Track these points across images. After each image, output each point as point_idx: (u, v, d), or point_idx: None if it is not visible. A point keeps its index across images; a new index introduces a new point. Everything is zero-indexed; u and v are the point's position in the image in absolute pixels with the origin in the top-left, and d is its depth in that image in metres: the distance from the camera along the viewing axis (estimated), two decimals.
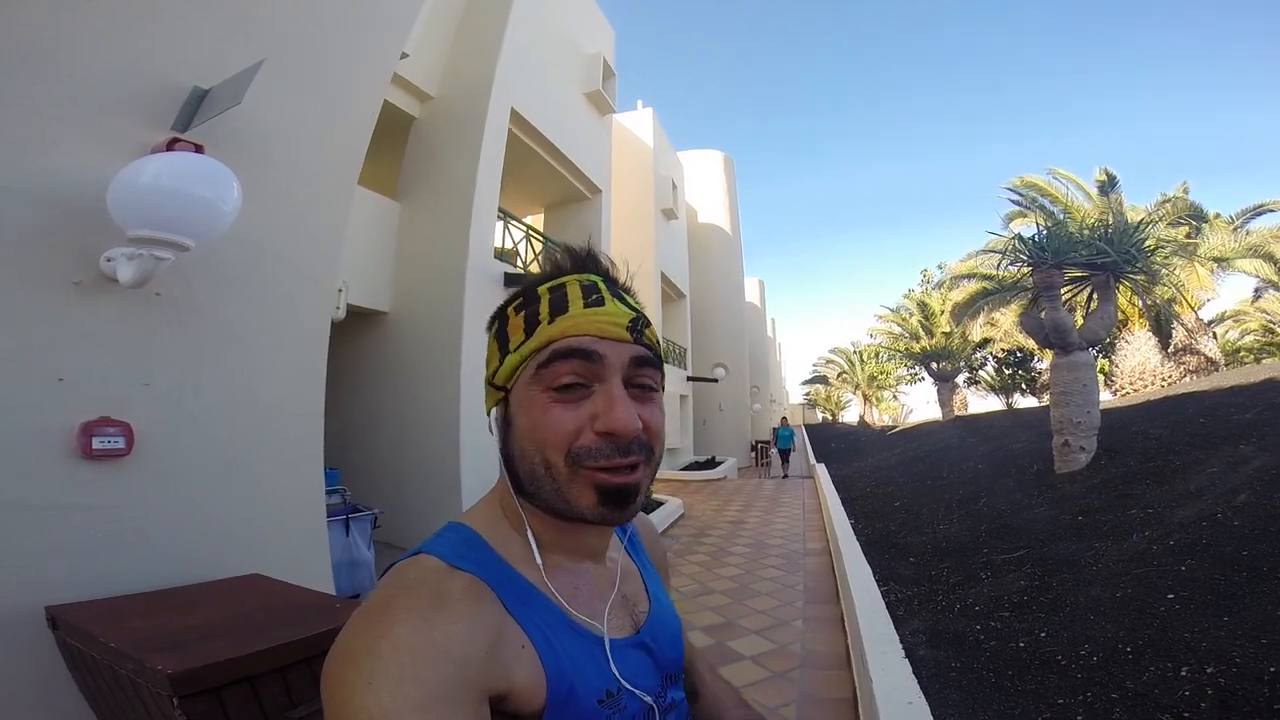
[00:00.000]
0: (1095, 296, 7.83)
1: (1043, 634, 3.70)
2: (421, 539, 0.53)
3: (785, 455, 16.29)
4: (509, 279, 6.33)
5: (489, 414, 0.56)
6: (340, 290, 4.77)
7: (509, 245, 7.36)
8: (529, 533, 0.54)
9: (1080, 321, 7.86)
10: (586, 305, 0.52)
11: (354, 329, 5.92)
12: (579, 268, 0.56)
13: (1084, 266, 7.56)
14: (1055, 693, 3.09)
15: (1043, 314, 7.65)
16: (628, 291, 0.58)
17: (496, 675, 0.45)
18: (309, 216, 2.74)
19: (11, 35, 1.68)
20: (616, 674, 0.52)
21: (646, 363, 0.53)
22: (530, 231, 7.57)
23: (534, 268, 7.52)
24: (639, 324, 0.54)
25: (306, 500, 2.65)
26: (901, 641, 3.02)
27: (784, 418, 18.13)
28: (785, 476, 14.63)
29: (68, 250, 1.76)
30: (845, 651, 3.51)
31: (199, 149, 1.84)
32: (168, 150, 1.76)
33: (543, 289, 0.54)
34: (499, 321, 0.56)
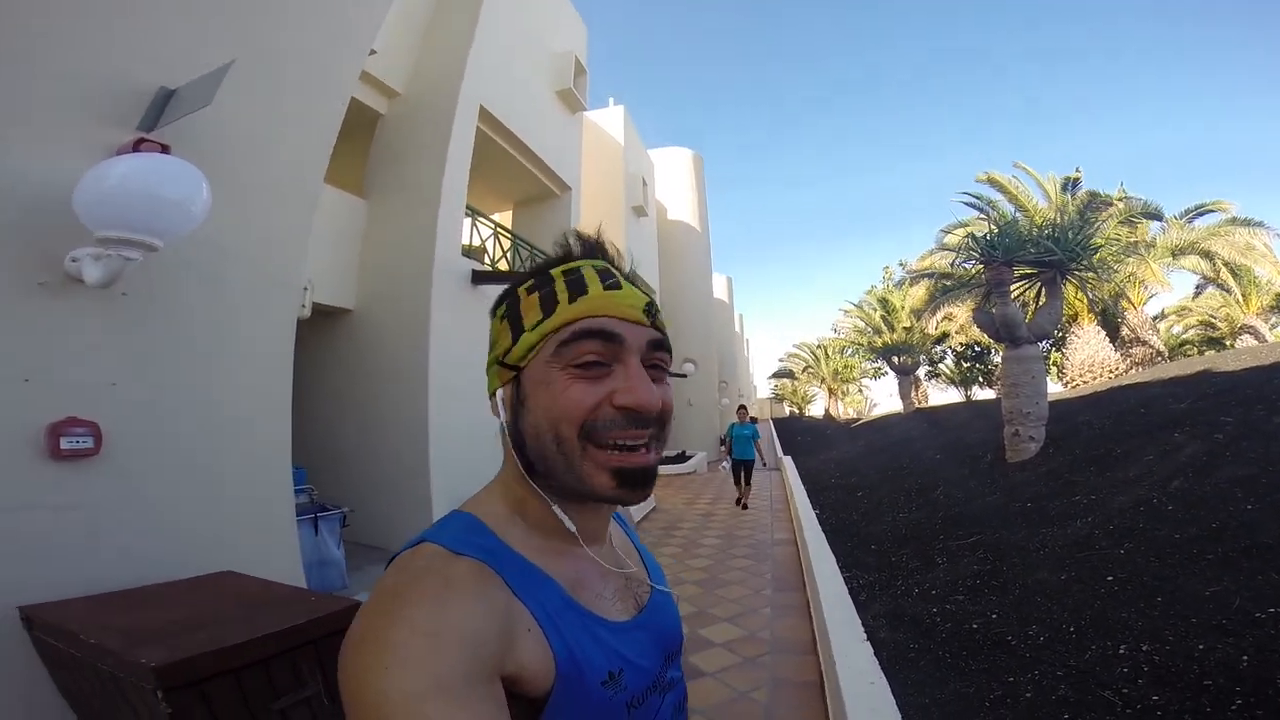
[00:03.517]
0: (1044, 292, 8.18)
1: (994, 616, 3.90)
2: (390, 536, 0.54)
3: (744, 470, 8.97)
4: (477, 276, 6.29)
5: (494, 395, 0.56)
6: (306, 289, 4.68)
7: (476, 242, 7.29)
8: (555, 509, 0.54)
9: (1030, 316, 8.20)
10: (605, 288, 0.54)
11: (319, 327, 5.80)
12: (588, 254, 0.59)
13: (1033, 264, 7.88)
14: (1006, 671, 3.26)
15: (994, 309, 7.96)
16: (634, 279, 0.60)
17: (508, 656, 0.46)
18: (274, 216, 2.72)
19: None
20: (620, 655, 0.53)
21: (661, 346, 0.56)
22: (498, 229, 7.51)
23: (502, 264, 7.47)
24: (653, 309, 0.56)
25: (275, 499, 2.63)
26: (864, 625, 3.17)
27: (741, 407, 10.01)
28: (744, 506, 8.90)
29: (32, 251, 1.74)
30: (811, 637, 3.65)
31: (166, 149, 1.82)
32: (134, 151, 1.74)
33: (556, 272, 0.56)
34: (508, 302, 0.56)
